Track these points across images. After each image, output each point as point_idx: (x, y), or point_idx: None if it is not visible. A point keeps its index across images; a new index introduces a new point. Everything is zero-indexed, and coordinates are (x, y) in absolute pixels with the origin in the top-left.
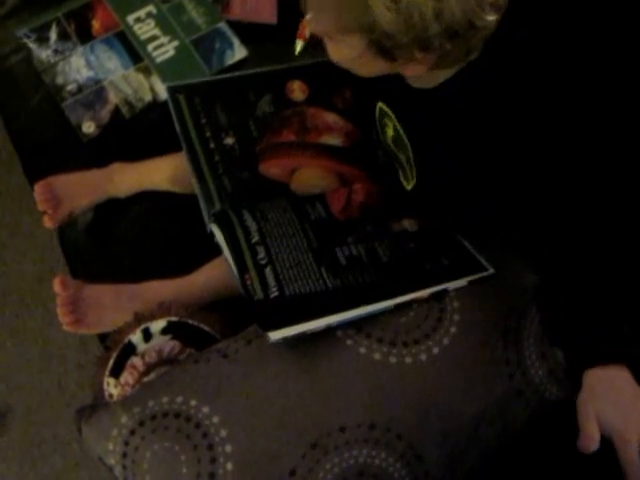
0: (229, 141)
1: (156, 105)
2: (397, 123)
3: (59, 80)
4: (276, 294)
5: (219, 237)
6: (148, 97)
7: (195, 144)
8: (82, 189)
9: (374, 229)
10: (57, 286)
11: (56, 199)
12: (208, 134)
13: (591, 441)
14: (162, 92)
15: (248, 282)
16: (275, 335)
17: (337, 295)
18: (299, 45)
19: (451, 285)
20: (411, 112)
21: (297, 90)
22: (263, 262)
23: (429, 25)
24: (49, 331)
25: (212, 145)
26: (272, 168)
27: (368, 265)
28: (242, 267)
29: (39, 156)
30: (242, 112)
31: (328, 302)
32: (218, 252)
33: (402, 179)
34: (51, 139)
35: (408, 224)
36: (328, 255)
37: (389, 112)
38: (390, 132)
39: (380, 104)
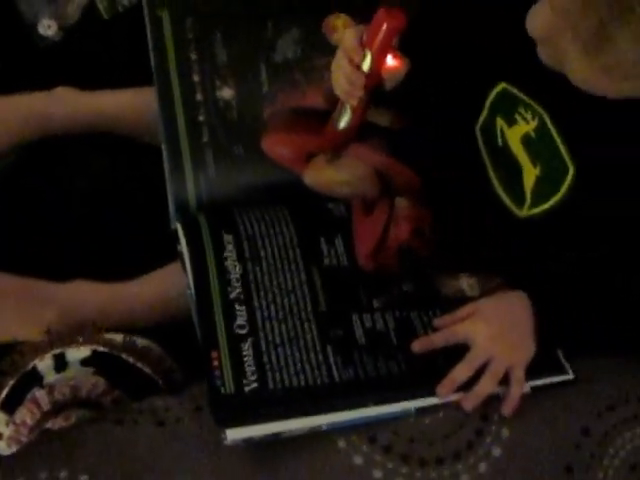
0: (225, 94)
1: None
2: (550, 122)
3: None
4: (254, 387)
5: (184, 248)
6: None
7: (174, 91)
8: (11, 120)
9: (415, 289)
10: None
11: None
12: (196, 78)
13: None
14: None
15: (215, 363)
16: (234, 434)
17: (344, 392)
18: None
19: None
20: (589, 124)
21: (341, 29)
22: (242, 332)
23: None
24: None
25: (199, 96)
26: (280, 146)
27: (397, 348)
28: (209, 340)
29: None
30: (253, 52)
31: (327, 400)
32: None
33: (506, 199)
34: None
35: (467, 284)
36: (340, 327)
37: (532, 103)
38: (526, 128)
39: (505, 86)
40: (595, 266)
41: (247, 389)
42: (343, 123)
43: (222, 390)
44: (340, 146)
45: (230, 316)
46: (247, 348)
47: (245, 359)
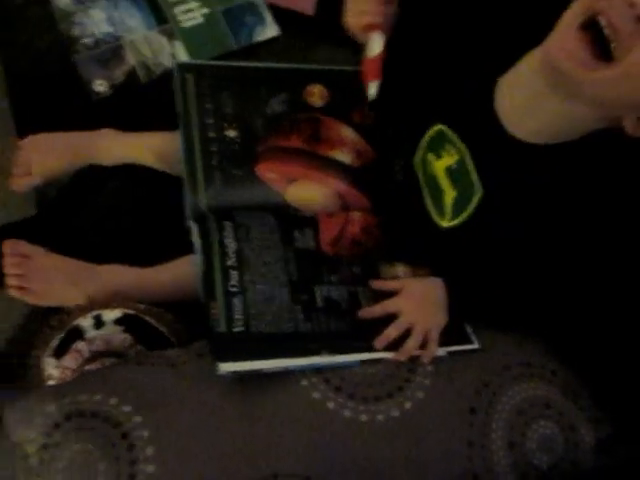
0: (231, 133)
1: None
2: (468, 158)
3: (75, 31)
4: (241, 329)
5: (195, 238)
6: (167, 63)
7: (193, 129)
8: (63, 151)
9: (361, 271)
10: (5, 248)
11: (32, 163)
12: (210, 121)
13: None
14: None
15: (213, 311)
16: (225, 367)
17: (305, 340)
18: (374, 87)
19: None
20: (500, 160)
21: (317, 95)
22: (234, 290)
23: None
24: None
25: (211, 134)
26: (270, 172)
27: (346, 312)
28: (209, 294)
29: (36, 108)
30: (251, 106)
31: (293, 346)
32: (192, 249)
33: (433, 213)
34: (54, 92)
35: (402, 271)
36: (306, 293)
37: (456, 141)
38: (449, 161)
39: (441, 127)
40: (495, 264)
41: (235, 330)
42: (379, 46)
43: (217, 329)
44: (379, 71)
45: (226, 278)
46: (237, 302)
47: (235, 309)
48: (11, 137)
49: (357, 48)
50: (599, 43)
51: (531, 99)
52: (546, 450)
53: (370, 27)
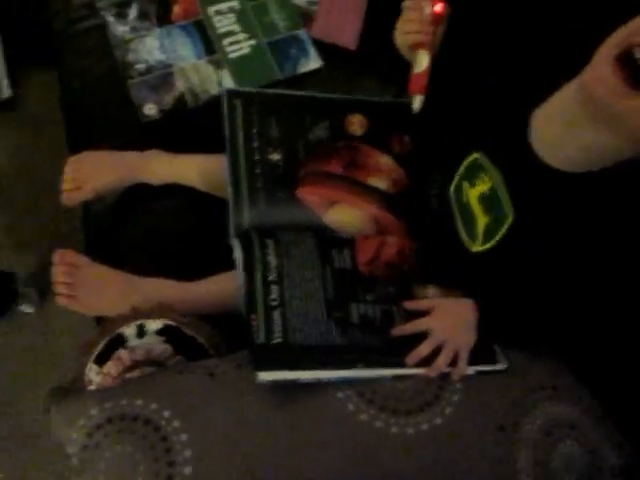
0: (275, 157)
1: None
2: (502, 185)
3: (130, 57)
4: (279, 341)
5: (238, 254)
6: (214, 91)
7: (240, 152)
8: (113, 169)
9: (396, 291)
10: (55, 257)
11: (82, 178)
12: (256, 144)
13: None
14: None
15: (253, 323)
16: (264, 376)
17: (340, 352)
18: (418, 100)
19: None
20: (533, 187)
21: (356, 124)
22: (274, 304)
23: None
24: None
25: (257, 157)
26: (311, 195)
27: (380, 330)
28: (251, 307)
29: (89, 128)
30: (296, 132)
31: (329, 358)
32: (233, 266)
33: (464, 237)
34: (107, 113)
35: (433, 292)
36: (342, 310)
37: (490, 168)
38: (482, 188)
39: (477, 155)
40: (523, 287)
41: (274, 341)
42: (425, 63)
43: (257, 340)
44: (425, 86)
45: (267, 292)
46: (277, 315)
47: (274, 322)
48: (64, 154)
49: (396, 81)
50: (633, 75)
51: (566, 129)
52: (570, 470)
53: (417, 45)
